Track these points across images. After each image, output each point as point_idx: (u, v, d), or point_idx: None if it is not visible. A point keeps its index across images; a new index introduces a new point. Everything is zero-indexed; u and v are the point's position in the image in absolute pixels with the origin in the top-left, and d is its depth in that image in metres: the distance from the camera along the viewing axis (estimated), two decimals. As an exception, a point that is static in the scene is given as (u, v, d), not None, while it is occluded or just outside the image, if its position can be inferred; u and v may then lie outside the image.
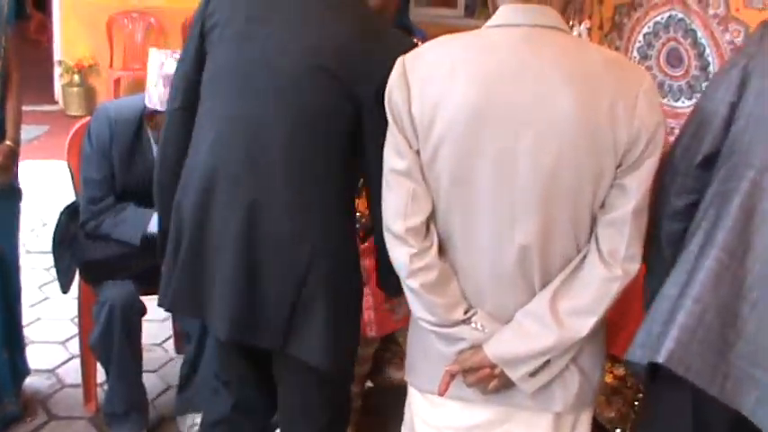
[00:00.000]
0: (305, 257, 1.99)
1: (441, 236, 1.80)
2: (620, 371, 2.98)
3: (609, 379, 2.90)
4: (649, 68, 6.11)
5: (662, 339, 1.78)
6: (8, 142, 2.86)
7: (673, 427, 1.88)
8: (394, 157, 1.79)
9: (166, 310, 2.23)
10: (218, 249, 2.04)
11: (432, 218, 1.80)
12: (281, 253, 1.99)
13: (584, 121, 1.66)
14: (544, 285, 1.76)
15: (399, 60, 1.78)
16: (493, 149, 1.69)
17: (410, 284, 1.80)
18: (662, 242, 1.97)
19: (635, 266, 1.76)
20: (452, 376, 1.82)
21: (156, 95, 2.72)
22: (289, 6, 2.02)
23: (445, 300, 1.78)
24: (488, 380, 1.80)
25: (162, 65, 2.69)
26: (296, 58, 1.95)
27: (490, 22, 1.78)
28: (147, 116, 2.79)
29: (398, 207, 1.78)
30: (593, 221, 1.75)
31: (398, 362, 2.99)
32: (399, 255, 1.80)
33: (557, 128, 1.66)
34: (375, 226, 2.06)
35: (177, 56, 2.66)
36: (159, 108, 2.72)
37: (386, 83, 1.79)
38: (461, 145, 1.70)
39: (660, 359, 1.75)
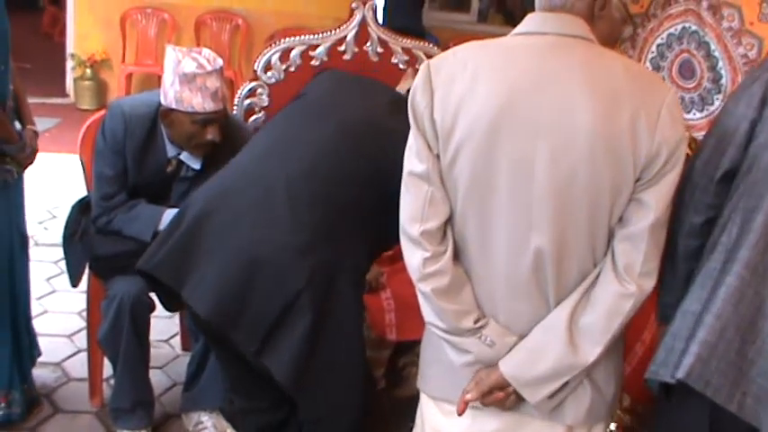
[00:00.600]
0: (306, 272, 2.02)
1: (456, 240, 1.81)
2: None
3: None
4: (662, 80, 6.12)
5: (682, 356, 1.78)
6: (30, 126, 2.92)
7: None
8: (413, 160, 1.79)
9: (144, 272, 2.25)
10: (221, 235, 2.10)
11: (448, 223, 1.80)
12: (284, 260, 2.02)
13: (604, 135, 1.65)
14: (558, 297, 1.76)
15: (425, 65, 1.79)
16: (511, 158, 1.69)
17: (422, 288, 1.80)
18: (677, 258, 1.96)
19: (650, 283, 1.75)
20: (469, 401, 1.81)
21: (172, 93, 2.73)
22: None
23: (456, 306, 1.78)
24: (504, 400, 1.80)
25: (179, 63, 2.70)
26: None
27: (516, 30, 1.78)
28: (162, 113, 2.79)
29: (415, 210, 1.79)
30: (611, 235, 1.75)
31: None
32: (413, 258, 1.80)
33: (575, 140, 1.66)
34: None
35: (194, 54, 2.69)
36: (174, 106, 2.73)
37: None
38: (480, 152, 1.70)
39: (680, 375, 1.76)
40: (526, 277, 1.75)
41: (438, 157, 1.77)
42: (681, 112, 1.73)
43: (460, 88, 1.72)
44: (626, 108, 1.66)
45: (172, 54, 2.73)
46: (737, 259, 1.78)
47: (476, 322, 1.78)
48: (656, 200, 1.71)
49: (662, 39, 6.26)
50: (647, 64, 6.41)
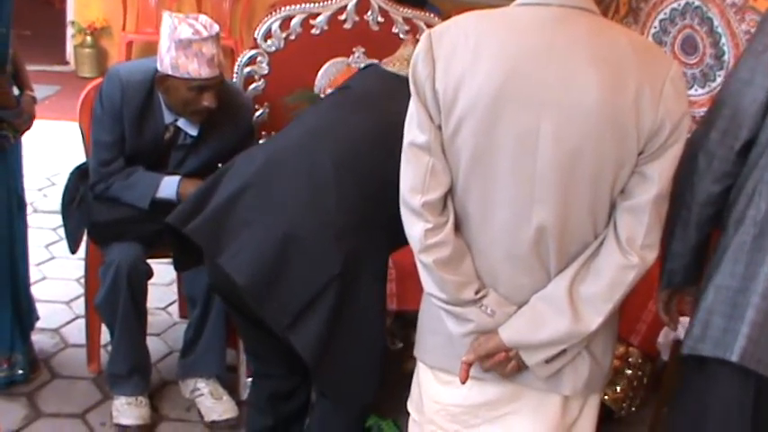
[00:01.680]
0: (341, 256, 2.07)
1: (457, 213, 1.80)
2: (621, 350, 3.00)
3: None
4: (663, 54, 6.09)
5: (731, 337, 1.82)
6: (29, 92, 2.93)
7: (733, 415, 1.89)
8: (415, 131, 1.78)
9: (183, 230, 2.25)
10: (263, 208, 2.13)
11: (449, 194, 1.79)
12: (322, 241, 2.07)
13: (609, 106, 1.64)
14: (560, 269, 1.76)
15: (426, 34, 1.77)
16: (514, 129, 1.68)
17: (423, 259, 1.80)
18: (690, 226, 1.97)
19: (652, 255, 1.75)
20: (470, 365, 1.82)
21: (168, 60, 2.72)
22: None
23: (457, 278, 1.78)
24: (505, 363, 1.81)
25: (175, 29, 2.69)
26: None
27: (519, 0, 1.76)
28: (158, 80, 2.78)
29: (416, 181, 1.78)
30: (613, 207, 1.75)
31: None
32: (414, 229, 1.79)
33: (580, 111, 1.65)
34: None
35: (191, 20, 2.68)
36: (170, 72, 2.72)
37: None
38: (483, 123, 1.69)
39: (735, 358, 1.80)
40: (527, 251, 1.75)
41: (440, 127, 1.76)
42: (684, 85, 1.74)
43: (463, 60, 1.70)
44: (631, 82, 1.65)
45: (168, 20, 2.72)
46: None
47: (477, 293, 1.79)
48: (660, 173, 1.71)
49: (665, 13, 6.22)
50: (650, 39, 6.39)
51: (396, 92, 2.19)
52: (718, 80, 4.43)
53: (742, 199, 1.89)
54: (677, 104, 1.68)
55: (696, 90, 4.71)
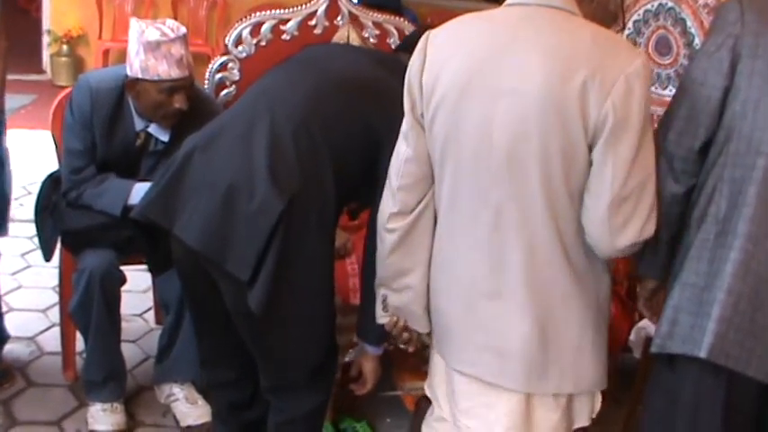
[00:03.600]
0: (285, 197, 2.05)
1: (435, 200, 1.95)
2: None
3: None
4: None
5: (698, 334, 1.85)
6: None
7: (703, 410, 1.93)
8: (405, 120, 1.96)
9: (138, 217, 2.26)
10: (205, 171, 2.14)
11: (428, 190, 1.95)
12: (261, 186, 2.06)
13: (554, 98, 1.71)
14: (522, 260, 1.82)
15: (426, 34, 1.93)
16: (476, 118, 1.80)
17: (381, 236, 2.03)
18: (662, 224, 1.92)
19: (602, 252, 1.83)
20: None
21: (137, 63, 2.74)
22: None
23: (398, 266, 2.01)
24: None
25: (142, 32, 2.72)
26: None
27: (507, 2, 1.89)
28: (128, 84, 2.79)
29: (396, 166, 1.97)
30: (572, 201, 1.79)
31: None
32: (384, 208, 2.00)
33: (528, 102, 1.72)
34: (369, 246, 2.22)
35: (158, 24, 2.71)
36: (140, 76, 2.74)
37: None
38: (452, 113, 1.83)
39: (703, 354, 1.83)
40: (487, 236, 1.83)
41: (422, 117, 1.90)
42: (644, 84, 1.73)
43: (445, 53, 1.86)
44: (582, 70, 1.70)
45: (135, 25, 2.75)
46: (737, 233, 1.83)
47: (400, 288, 2.04)
48: (611, 172, 1.72)
49: (638, 15, 6.27)
50: (629, 30, 6.43)
51: (335, 52, 2.39)
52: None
53: (702, 197, 1.92)
54: (626, 101, 1.70)
55: (671, 90, 4.74)
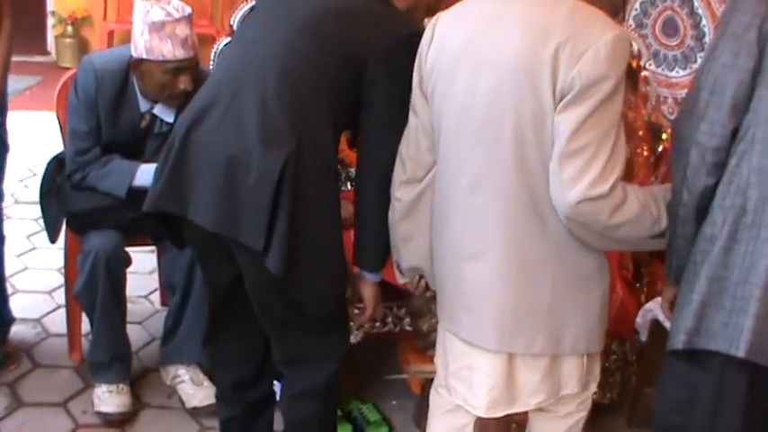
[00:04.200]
0: (281, 158, 2.05)
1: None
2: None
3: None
4: (644, 37, 6.08)
5: (734, 332, 1.78)
6: None
7: (724, 403, 1.88)
8: (412, 96, 2.07)
9: (151, 209, 2.26)
10: (204, 151, 2.13)
11: (432, 160, 2.06)
12: (256, 153, 2.06)
13: (526, 66, 1.80)
14: (500, 226, 1.90)
15: (435, 16, 2.04)
16: (461, 88, 1.91)
17: (392, 205, 2.18)
18: (689, 220, 1.90)
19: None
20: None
21: (142, 44, 2.72)
22: None
23: (403, 232, 2.16)
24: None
25: (147, 12, 2.71)
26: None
27: None
28: (132, 65, 2.78)
29: (407, 136, 2.10)
30: (545, 169, 1.84)
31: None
32: (395, 176, 2.15)
33: (503, 72, 1.83)
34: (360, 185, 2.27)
35: (163, 4, 2.69)
36: (145, 56, 2.73)
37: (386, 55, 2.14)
38: (445, 84, 1.94)
39: (741, 354, 1.77)
40: (466, 199, 1.92)
41: (427, 90, 2.01)
42: (614, 57, 1.78)
43: (448, 31, 1.96)
44: (554, 39, 1.78)
45: (140, 5, 2.73)
46: None
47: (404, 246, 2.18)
48: (565, 127, 1.78)
49: (646, -5, 6.25)
50: (631, 21, 6.38)
51: None
52: (699, 62, 4.43)
53: (730, 186, 1.83)
54: (595, 68, 1.76)
55: (678, 72, 4.73)
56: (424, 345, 2.95)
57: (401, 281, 2.33)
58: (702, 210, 1.88)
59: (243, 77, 2.16)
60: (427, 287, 2.28)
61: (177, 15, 2.71)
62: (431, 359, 2.93)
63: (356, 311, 2.51)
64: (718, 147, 1.83)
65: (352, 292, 2.47)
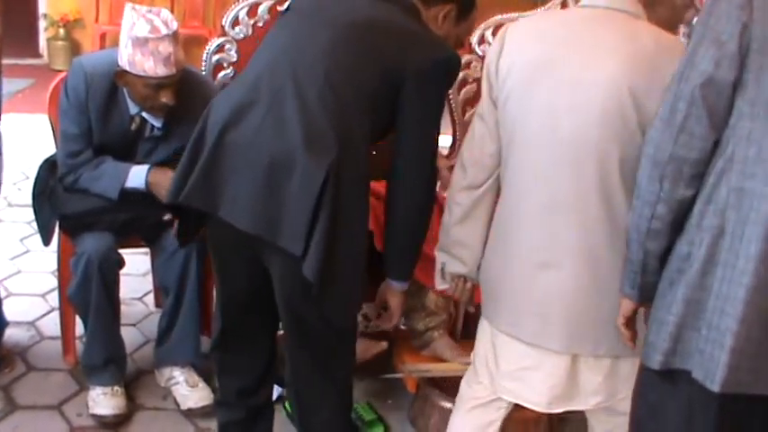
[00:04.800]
0: (324, 166, 2.03)
1: (500, 177, 2.18)
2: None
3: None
4: None
5: (710, 363, 1.74)
6: None
7: (698, 418, 1.85)
8: (481, 102, 2.20)
9: (178, 203, 2.23)
10: (242, 150, 2.12)
11: (495, 168, 2.18)
12: (299, 159, 2.05)
13: (616, 86, 1.92)
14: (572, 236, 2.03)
15: (506, 25, 2.18)
16: (542, 103, 2.01)
17: (450, 208, 2.28)
18: (662, 236, 1.84)
19: None
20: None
21: (126, 56, 2.72)
22: None
23: (459, 237, 2.26)
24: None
25: (133, 26, 2.70)
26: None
27: (581, 3, 2.13)
28: (117, 74, 2.77)
29: (471, 142, 2.21)
30: (624, 183, 1.95)
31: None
32: (455, 180, 2.26)
33: (589, 89, 1.94)
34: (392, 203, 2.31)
35: (151, 16, 2.69)
36: (127, 68, 2.72)
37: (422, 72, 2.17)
38: (522, 96, 2.05)
39: (716, 388, 1.73)
40: (543, 212, 2.04)
41: (497, 99, 2.12)
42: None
43: (521, 43, 2.09)
44: (641, 72, 1.92)
45: (128, 14, 2.72)
46: (750, 255, 1.68)
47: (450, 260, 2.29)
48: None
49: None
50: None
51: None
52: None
53: (707, 204, 1.77)
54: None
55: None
56: (419, 344, 2.95)
57: (442, 286, 2.40)
58: (677, 224, 1.82)
59: (284, 79, 2.14)
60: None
61: (162, 32, 2.69)
62: (425, 358, 2.95)
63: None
64: (698, 160, 1.76)
65: (377, 300, 2.50)
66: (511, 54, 2.09)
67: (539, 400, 2.18)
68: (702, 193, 1.77)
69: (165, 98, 2.76)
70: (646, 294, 1.93)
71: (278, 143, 2.08)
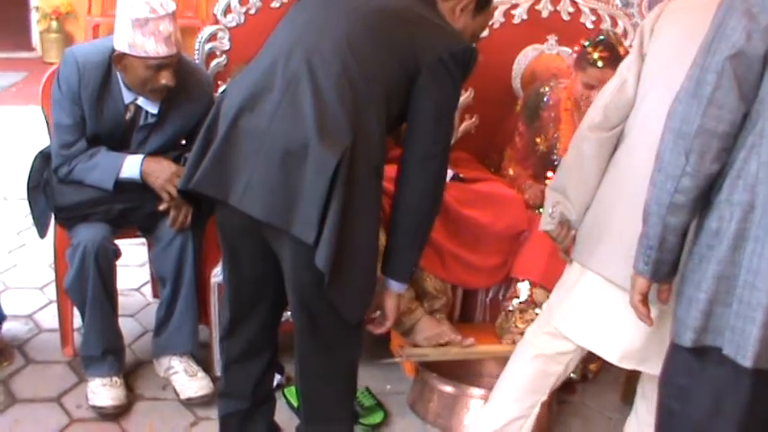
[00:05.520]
0: (337, 152, 2.02)
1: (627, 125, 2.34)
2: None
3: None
4: (631, 16, 6.08)
5: (741, 338, 1.75)
6: None
7: (728, 401, 1.87)
8: (629, 56, 2.38)
9: (190, 189, 2.23)
10: (256, 137, 2.11)
11: (626, 114, 2.33)
12: (314, 146, 2.03)
13: None
14: None
15: (665, 1, 2.34)
16: (682, 66, 1.89)
17: (577, 145, 2.41)
18: (686, 209, 1.83)
19: None
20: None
21: (125, 38, 2.71)
22: None
23: (577, 177, 2.39)
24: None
25: (131, 7, 2.68)
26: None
27: None
28: (115, 58, 2.76)
29: (612, 86, 2.35)
30: None
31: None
32: (588, 118, 2.38)
33: None
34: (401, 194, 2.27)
35: (148, 1, 2.66)
36: (127, 51, 2.71)
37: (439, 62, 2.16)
38: (666, 59, 2.22)
39: (748, 363, 1.75)
40: None
41: (645, 54, 2.30)
42: None
43: (677, 15, 2.26)
44: None
45: None
46: None
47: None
48: None
49: (630, -25, 6.25)
50: (617, 0, 6.39)
51: None
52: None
53: (736, 180, 1.77)
54: None
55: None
56: (403, 330, 2.95)
57: (548, 227, 2.47)
58: (700, 199, 1.81)
59: (299, 66, 2.13)
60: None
61: (161, 12, 2.69)
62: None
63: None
64: (727, 133, 1.74)
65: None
66: (666, 21, 2.26)
67: (612, 351, 2.32)
68: (733, 168, 1.77)
69: (165, 79, 2.75)
70: (658, 272, 1.92)
71: (292, 131, 2.07)
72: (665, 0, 2.33)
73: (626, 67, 2.35)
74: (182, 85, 2.81)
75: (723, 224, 1.78)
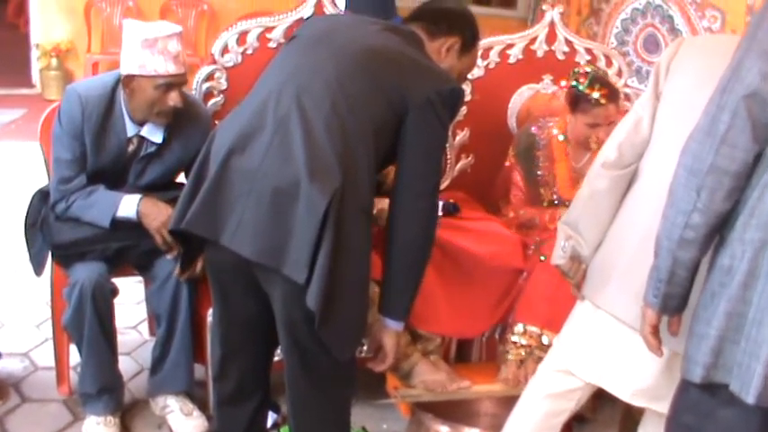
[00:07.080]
0: (327, 193, 2.04)
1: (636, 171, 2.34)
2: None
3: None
4: (626, 54, 6.15)
5: (747, 375, 1.74)
6: None
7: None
8: (644, 94, 2.37)
9: (181, 229, 2.24)
10: (247, 177, 2.12)
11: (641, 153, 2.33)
12: (304, 186, 2.05)
13: None
14: None
15: (683, 38, 2.32)
16: (694, 108, 1.87)
17: (590, 182, 2.40)
18: (697, 244, 1.83)
19: None
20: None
21: (134, 60, 2.75)
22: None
23: (590, 213, 2.38)
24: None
25: (139, 30, 2.74)
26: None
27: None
28: (123, 82, 2.79)
29: (627, 124, 2.35)
30: None
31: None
32: (602, 155, 2.37)
33: None
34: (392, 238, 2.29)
35: (152, 23, 2.74)
36: (137, 72, 2.75)
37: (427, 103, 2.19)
38: (682, 98, 2.23)
39: (751, 400, 1.73)
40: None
41: (661, 92, 2.30)
42: None
43: (693, 54, 2.28)
44: None
45: (130, 25, 2.77)
46: None
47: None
48: None
49: (626, 13, 6.31)
50: (612, 39, 6.45)
51: (344, 25, 2.39)
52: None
53: (751, 215, 1.76)
54: None
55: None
56: (402, 375, 2.94)
57: (558, 261, 2.45)
58: (710, 236, 1.81)
59: (289, 107, 2.15)
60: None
61: (169, 31, 2.75)
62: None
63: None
64: (739, 172, 1.74)
65: (370, 341, 2.47)
66: (682, 60, 2.27)
67: (623, 388, 2.32)
68: (746, 206, 1.76)
69: (173, 100, 2.78)
70: (667, 306, 1.92)
71: (283, 170, 2.09)
72: (673, 43, 2.35)
73: (641, 105, 2.35)
74: (183, 115, 2.85)
75: (735, 262, 1.77)
